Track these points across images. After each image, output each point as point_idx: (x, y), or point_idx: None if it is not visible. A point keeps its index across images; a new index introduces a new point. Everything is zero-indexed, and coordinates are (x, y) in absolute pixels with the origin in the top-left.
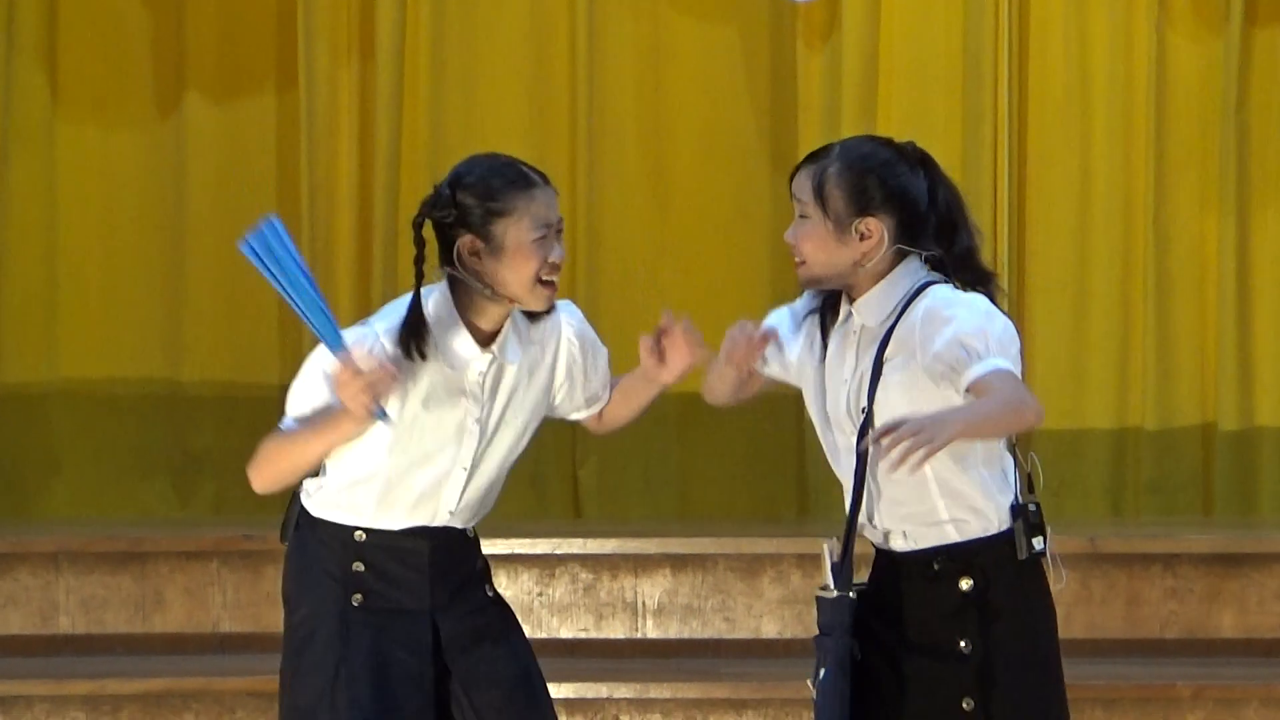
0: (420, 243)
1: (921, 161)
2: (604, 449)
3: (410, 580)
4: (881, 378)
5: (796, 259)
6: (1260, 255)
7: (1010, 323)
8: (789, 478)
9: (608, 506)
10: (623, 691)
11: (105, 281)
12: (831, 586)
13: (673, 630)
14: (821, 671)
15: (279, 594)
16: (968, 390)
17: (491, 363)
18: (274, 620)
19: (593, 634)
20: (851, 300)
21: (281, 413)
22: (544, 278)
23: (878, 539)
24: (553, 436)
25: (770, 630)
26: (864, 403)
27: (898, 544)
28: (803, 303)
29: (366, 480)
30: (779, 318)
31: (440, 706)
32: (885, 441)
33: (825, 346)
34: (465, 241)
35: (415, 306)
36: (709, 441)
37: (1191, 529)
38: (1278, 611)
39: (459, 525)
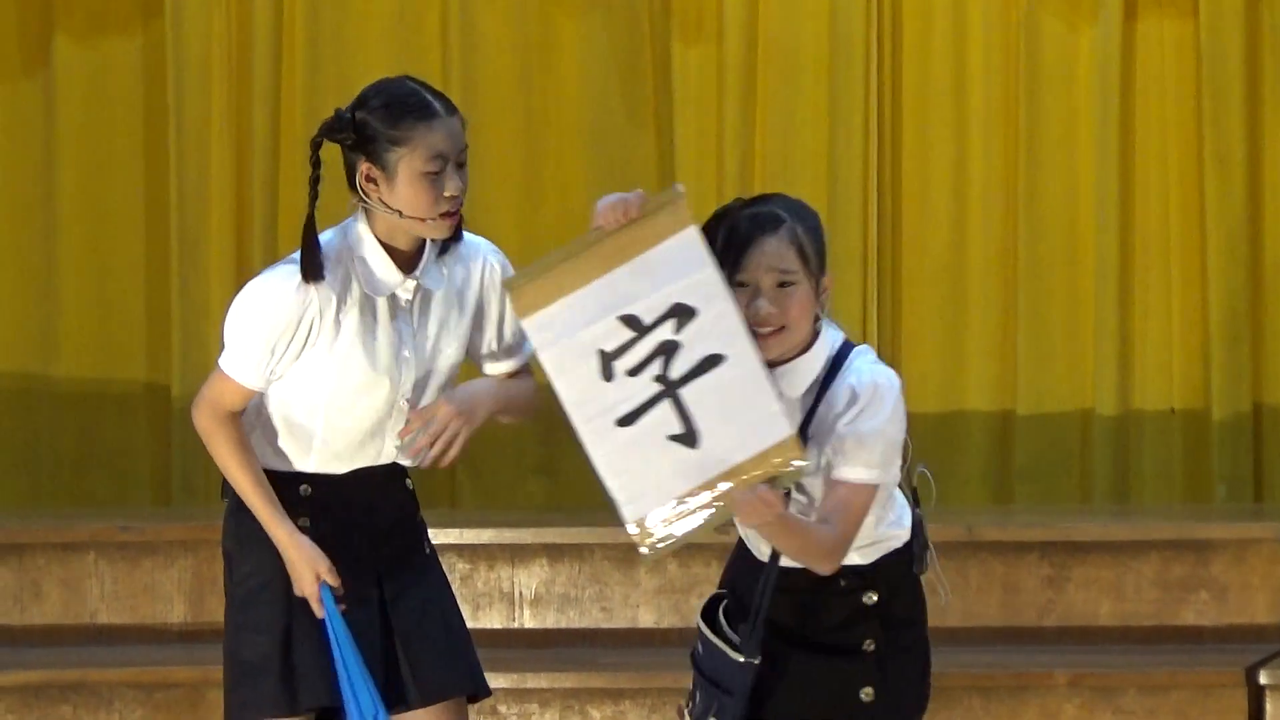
0: (317, 163)
1: None
2: (481, 439)
3: (355, 538)
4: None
5: (772, 328)
6: (1141, 241)
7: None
8: None
9: (484, 496)
10: (500, 681)
11: None
12: (736, 649)
13: (550, 620)
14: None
15: (155, 585)
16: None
17: (416, 289)
18: (151, 612)
19: (470, 624)
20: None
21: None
22: (442, 210)
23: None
24: None
25: (647, 620)
26: None
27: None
28: None
29: (307, 420)
30: None
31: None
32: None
33: None
34: (363, 168)
35: (309, 229)
36: None
37: (1069, 517)
38: (1154, 599)
39: (406, 461)
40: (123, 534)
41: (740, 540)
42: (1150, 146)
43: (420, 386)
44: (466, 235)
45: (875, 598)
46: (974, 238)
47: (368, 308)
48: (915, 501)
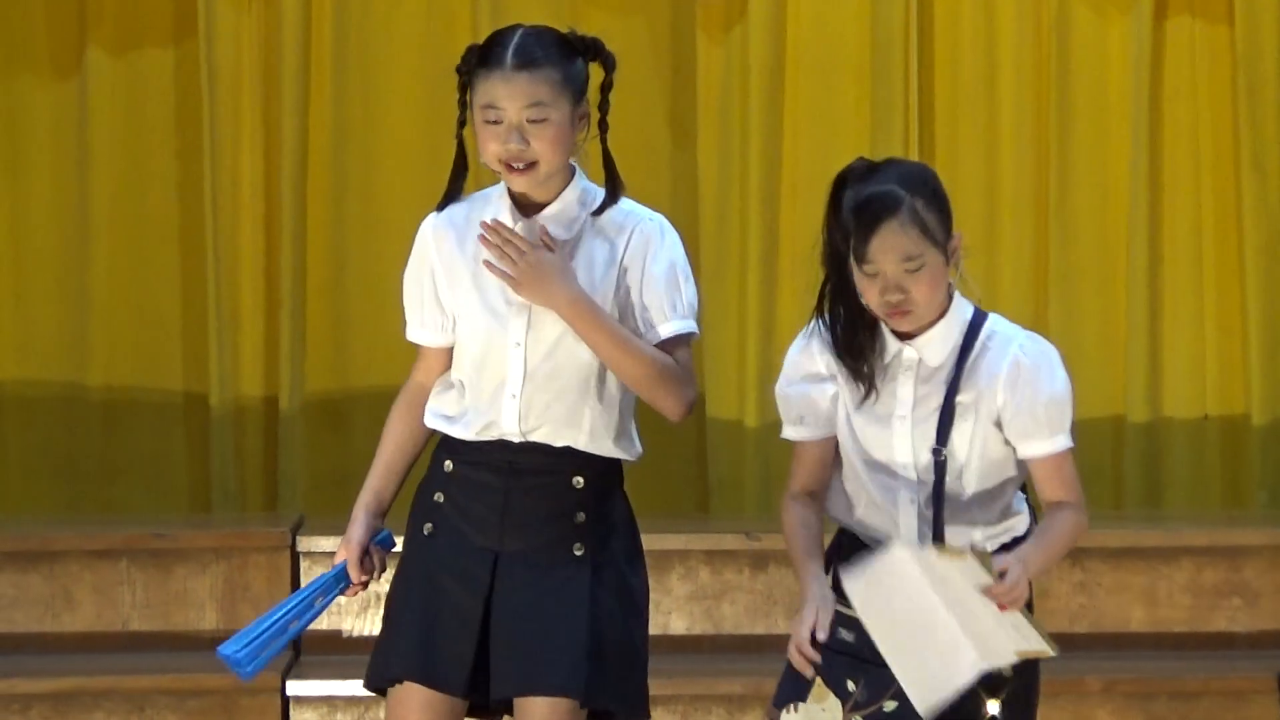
0: (463, 88)
1: None
2: None
3: (481, 515)
4: (955, 420)
5: (900, 312)
6: (1171, 246)
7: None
8: (690, 475)
9: None
10: None
11: (8, 279)
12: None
13: None
14: (892, 705)
15: (188, 592)
16: (1025, 460)
17: (527, 230)
18: (183, 618)
19: None
20: (902, 337)
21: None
22: (500, 160)
23: None
24: None
25: (679, 626)
26: (932, 442)
27: None
28: (813, 362)
29: (456, 371)
30: (800, 393)
31: (481, 647)
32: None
33: (866, 390)
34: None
35: (459, 154)
36: None
37: (1100, 523)
38: (1186, 605)
39: (538, 437)
40: (155, 541)
41: (844, 543)
42: (1181, 150)
43: (537, 332)
44: (627, 202)
45: None
46: (1005, 243)
47: (484, 249)
48: (1021, 486)
